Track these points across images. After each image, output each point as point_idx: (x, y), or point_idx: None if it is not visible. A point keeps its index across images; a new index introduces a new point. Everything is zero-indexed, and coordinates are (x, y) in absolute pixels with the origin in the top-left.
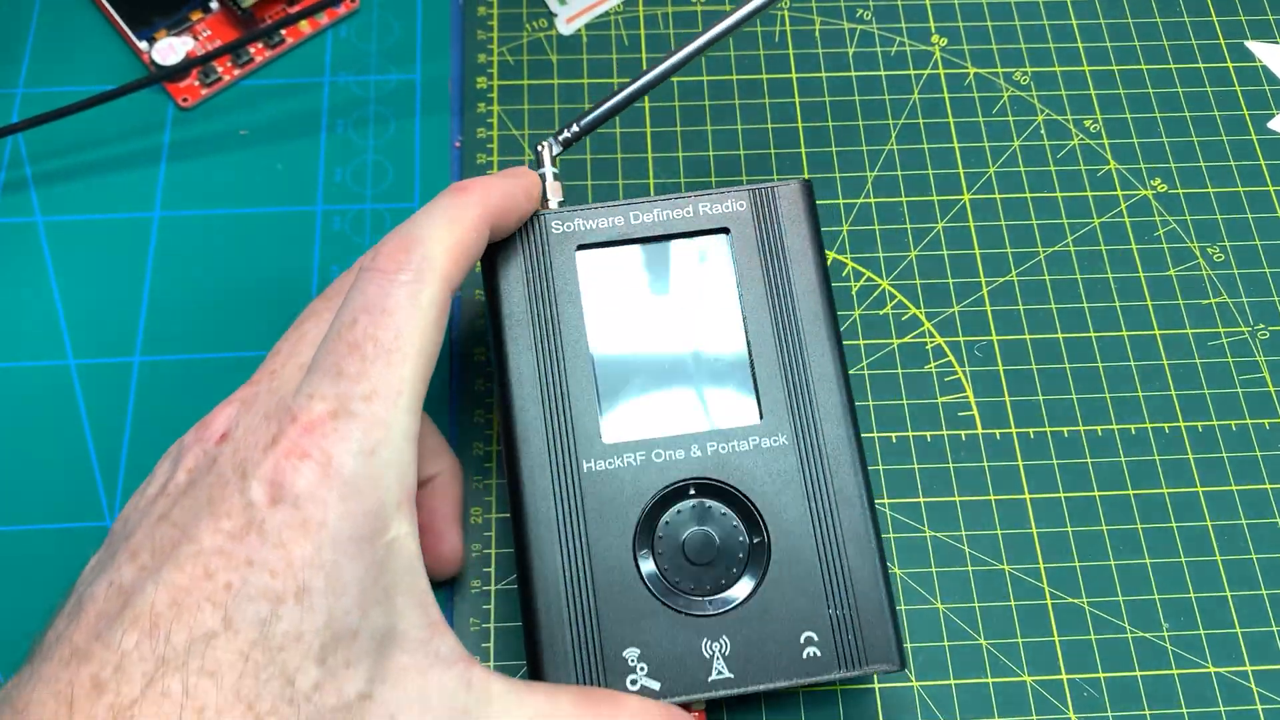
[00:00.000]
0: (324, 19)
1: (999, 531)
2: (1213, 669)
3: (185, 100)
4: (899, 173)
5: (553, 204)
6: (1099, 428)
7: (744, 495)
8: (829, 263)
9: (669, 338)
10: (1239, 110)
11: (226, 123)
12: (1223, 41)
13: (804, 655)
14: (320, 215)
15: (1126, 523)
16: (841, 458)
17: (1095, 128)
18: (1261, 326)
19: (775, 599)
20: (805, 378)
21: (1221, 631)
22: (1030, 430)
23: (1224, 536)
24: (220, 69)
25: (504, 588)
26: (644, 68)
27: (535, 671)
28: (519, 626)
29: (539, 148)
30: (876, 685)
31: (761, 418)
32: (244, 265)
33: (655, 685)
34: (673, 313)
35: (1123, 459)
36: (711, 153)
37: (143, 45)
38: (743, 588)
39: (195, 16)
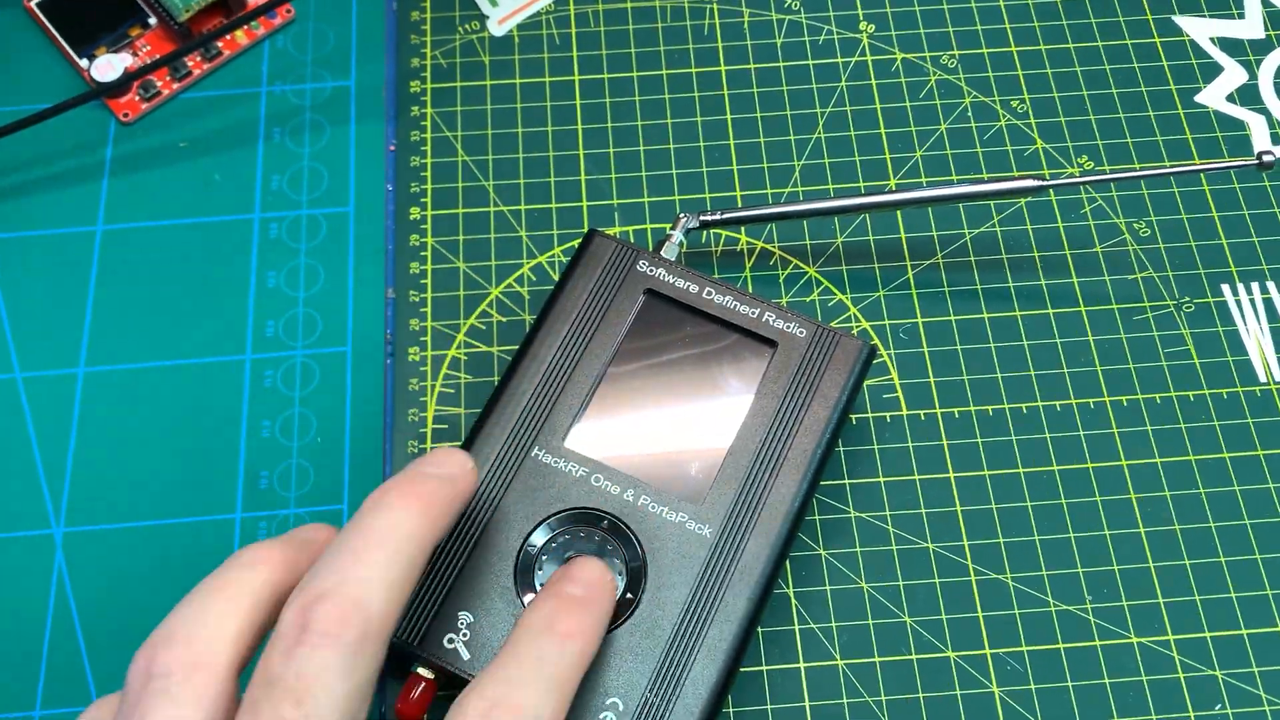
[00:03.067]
0: (260, 30)
1: (923, 510)
2: (1135, 639)
3: (126, 115)
4: (825, 160)
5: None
6: (1024, 405)
7: (643, 550)
8: (768, 258)
9: (673, 398)
10: (1166, 85)
11: (166, 136)
12: (1150, 17)
13: (599, 716)
14: (258, 223)
15: (1051, 498)
16: (748, 578)
17: (1022, 108)
18: (1187, 299)
19: (612, 652)
20: (760, 498)
21: (1144, 602)
22: (955, 410)
23: (1147, 508)
24: (159, 83)
25: None
26: (575, 78)
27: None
28: None
29: (680, 215)
30: (801, 665)
31: (703, 502)
32: (185, 275)
33: (466, 655)
34: (689, 383)
35: (1048, 435)
36: (642, 147)
37: (83, 63)
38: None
39: (134, 33)
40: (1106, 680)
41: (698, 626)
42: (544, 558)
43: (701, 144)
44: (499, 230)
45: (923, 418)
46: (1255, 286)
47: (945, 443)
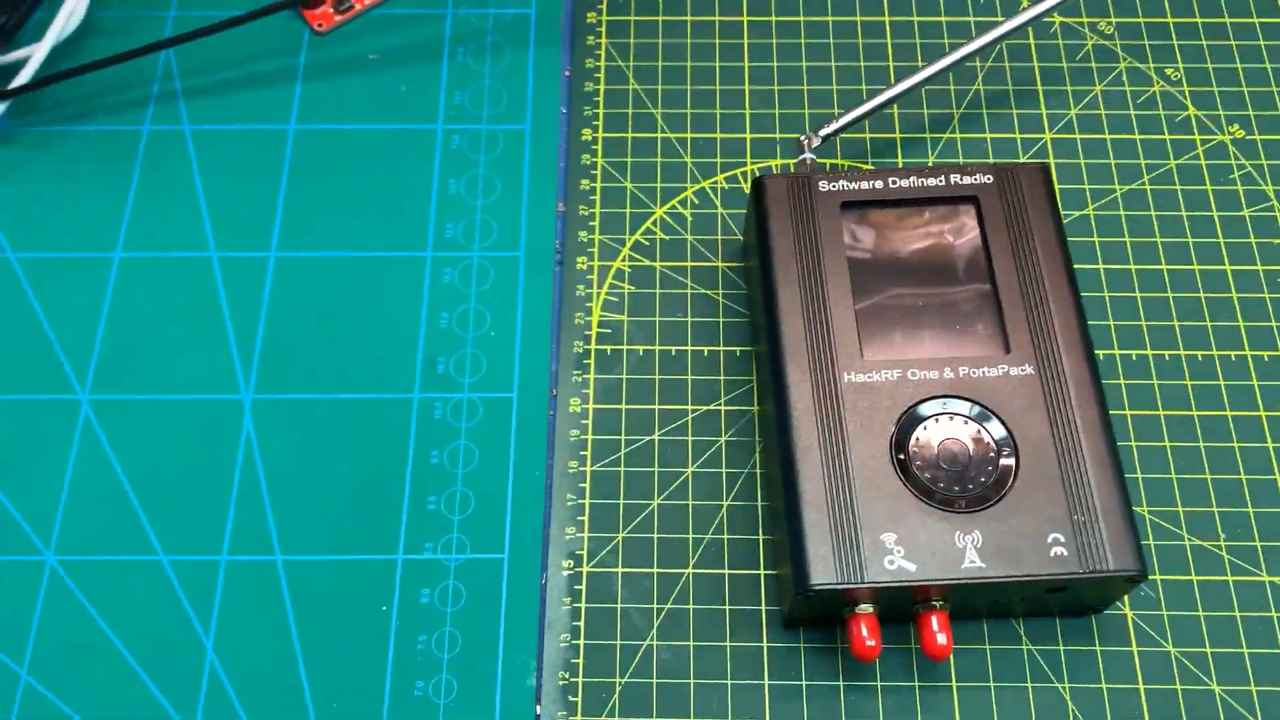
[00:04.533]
0: None
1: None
2: (1266, 578)
3: (320, 25)
4: (984, 110)
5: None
6: (1166, 352)
7: (994, 411)
8: None
9: (924, 282)
10: None
11: (357, 47)
12: None
13: (1051, 553)
14: (441, 133)
15: (1190, 439)
16: (1082, 388)
17: (1176, 75)
18: None
19: (1024, 503)
20: (1048, 320)
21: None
22: (1101, 352)
23: None
24: None
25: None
26: (744, 19)
27: (797, 549)
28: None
29: (801, 138)
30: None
31: (1008, 351)
32: (371, 176)
33: (911, 566)
34: (928, 262)
35: (1188, 382)
36: (805, 87)
37: None
38: (994, 490)
39: None
40: (1238, 613)
41: (1074, 445)
42: (917, 460)
43: (864, 86)
44: (665, 155)
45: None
46: None
47: (1122, 382)
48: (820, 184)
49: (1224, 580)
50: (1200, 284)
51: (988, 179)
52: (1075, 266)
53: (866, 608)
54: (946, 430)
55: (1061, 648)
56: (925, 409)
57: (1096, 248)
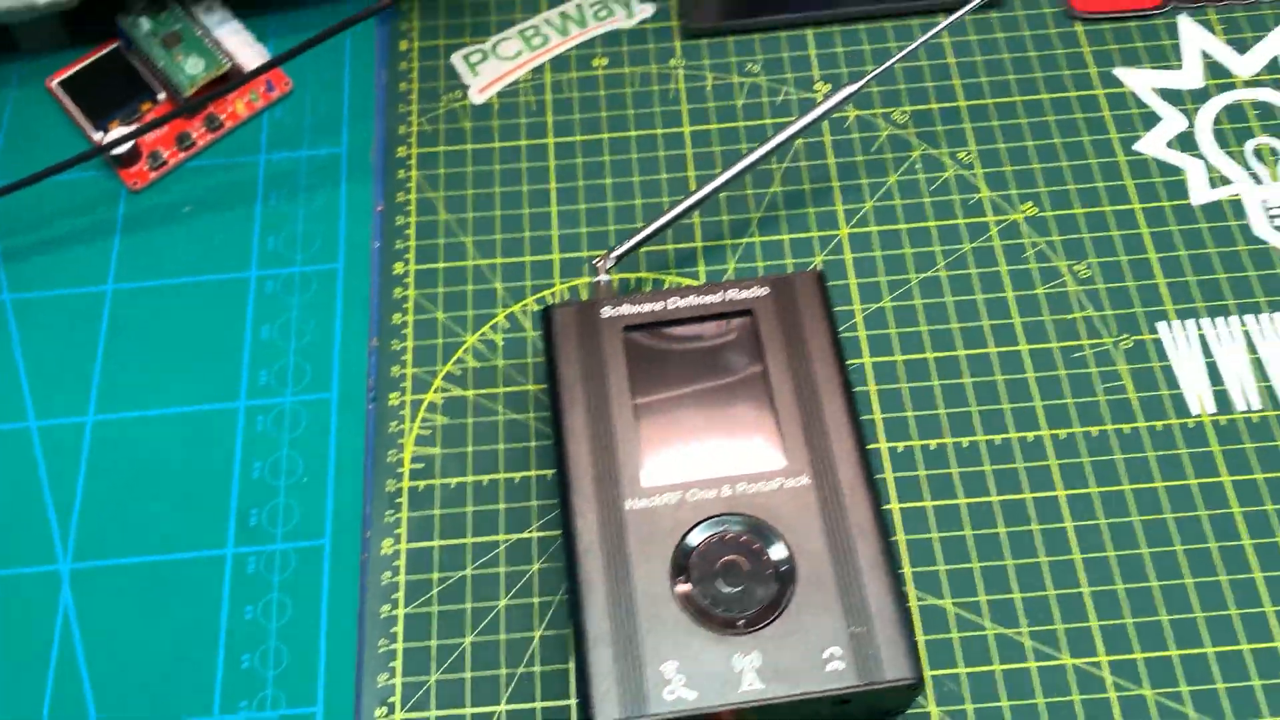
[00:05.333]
0: (260, 102)
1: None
2: (1069, 661)
3: (135, 184)
4: (781, 213)
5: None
6: (964, 439)
7: (770, 525)
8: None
9: (703, 399)
10: (1107, 134)
11: (173, 202)
12: (1092, 70)
13: (828, 669)
14: (254, 281)
15: (989, 526)
16: (856, 496)
17: (969, 159)
18: (1124, 336)
19: (802, 618)
20: (822, 429)
21: (1078, 625)
22: (899, 444)
23: (1083, 537)
24: (166, 154)
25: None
26: (550, 141)
27: (582, 683)
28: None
29: (594, 262)
30: None
31: (785, 463)
32: (187, 330)
33: (691, 695)
34: (707, 379)
35: (987, 467)
36: (610, 204)
37: (98, 135)
38: (772, 608)
39: (145, 107)
40: (1040, 700)
41: (850, 554)
42: (696, 583)
43: (665, 199)
44: (476, 282)
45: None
46: (1190, 324)
47: (890, 475)
48: (603, 310)
49: (1026, 668)
50: (996, 367)
51: (764, 291)
52: (875, 360)
53: None
54: (723, 551)
55: None
56: (702, 531)
57: (894, 339)
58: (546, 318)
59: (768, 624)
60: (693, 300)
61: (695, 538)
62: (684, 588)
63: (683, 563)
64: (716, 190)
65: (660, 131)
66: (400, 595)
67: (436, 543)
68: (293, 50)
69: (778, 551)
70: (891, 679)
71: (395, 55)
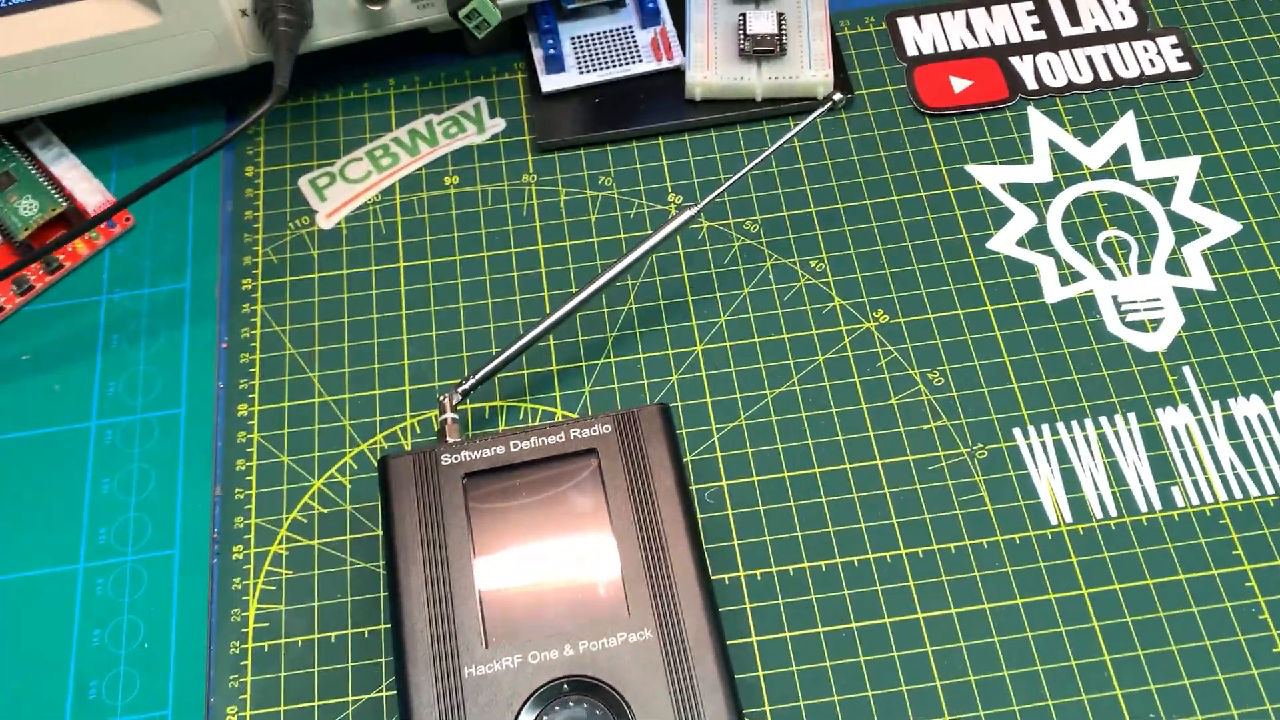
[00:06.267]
0: (101, 239)
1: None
2: None
3: None
4: (637, 330)
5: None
6: (823, 563)
7: (612, 688)
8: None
9: (547, 547)
10: (959, 233)
11: (9, 350)
12: (943, 168)
13: None
14: (95, 429)
15: (849, 656)
16: (702, 646)
17: (820, 267)
18: (980, 446)
19: None
20: (667, 576)
21: None
22: (758, 571)
23: (942, 661)
24: (1, 299)
25: None
26: (400, 265)
27: None
28: None
29: (440, 398)
30: None
31: (629, 614)
32: (22, 487)
33: None
34: (550, 524)
35: (846, 591)
36: (463, 329)
37: None
38: None
39: None
40: None
41: (695, 711)
42: None
43: (520, 321)
44: (323, 420)
45: (726, 581)
46: (1046, 429)
47: (748, 606)
48: (443, 457)
49: None
50: (852, 484)
51: (607, 429)
52: (731, 482)
53: None
54: (565, 717)
55: None
56: (541, 699)
57: (750, 459)
58: (383, 468)
59: None
60: (535, 441)
61: (535, 707)
62: None
63: None
64: (567, 315)
65: (514, 250)
66: None
67: (282, 708)
68: (135, 194)
69: (621, 715)
70: None
71: (241, 182)
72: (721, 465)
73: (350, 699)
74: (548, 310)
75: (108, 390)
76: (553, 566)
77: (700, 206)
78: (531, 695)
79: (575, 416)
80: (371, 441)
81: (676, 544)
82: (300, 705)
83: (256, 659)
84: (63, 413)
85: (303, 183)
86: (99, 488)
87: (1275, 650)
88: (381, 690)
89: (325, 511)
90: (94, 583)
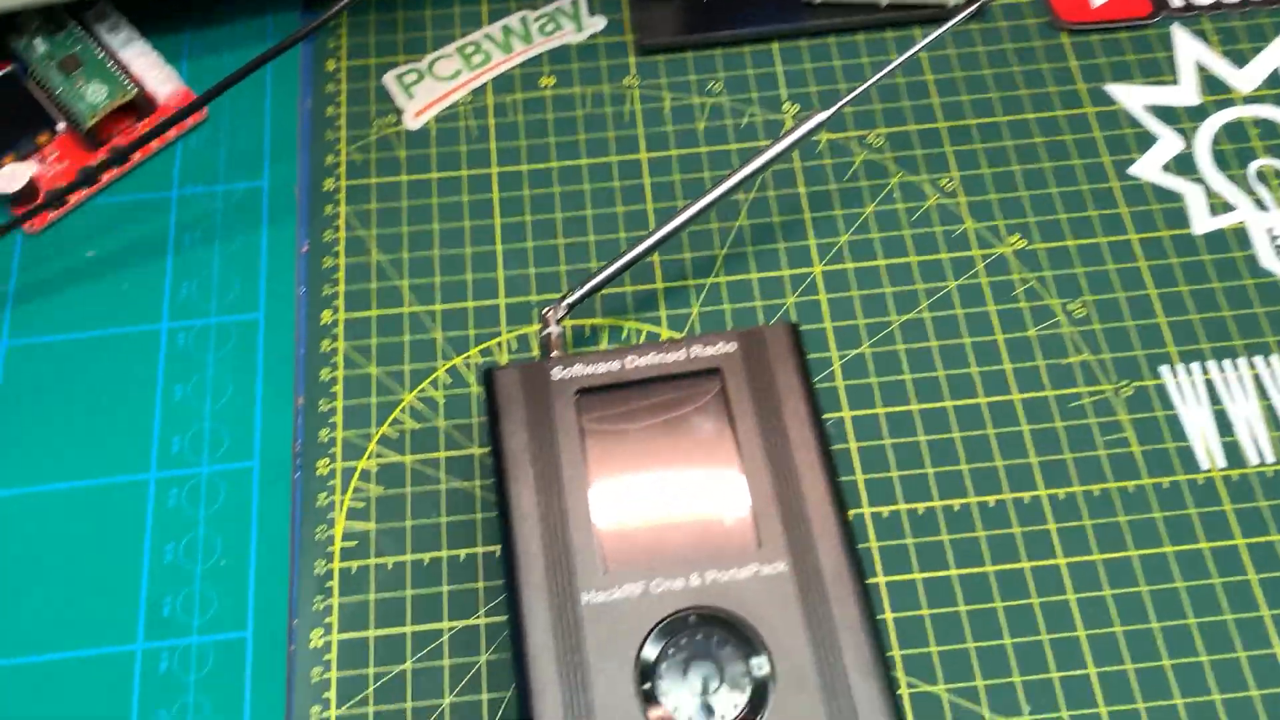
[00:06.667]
0: (172, 132)
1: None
2: None
3: (32, 227)
4: (749, 248)
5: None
6: (955, 502)
7: (744, 621)
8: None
9: (667, 472)
10: (1099, 157)
11: (75, 246)
12: (1081, 87)
13: None
14: (165, 333)
15: (985, 601)
16: (841, 583)
17: (951, 186)
18: (1125, 383)
19: None
20: (800, 506)
21: (1085, 712)
22: (884, 509)
23: (1087, 610)
24: (67, 192)
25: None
26: (494, 170)
27: None
28: None
29: (544, 311)
30: None
31: (759, 545)
32: (90, 391)
33: None
34: (671, 449)
35: (980, 533)
36: (560, 241)
37: None
38: (750, 713)
39: (42, 139)
40: None
41: (834, 651)
42: (664, 688)
43: (622, 235)
44: (413, 332)
45: (850, 518)
46: (1195, 367)
47: (874, 545)
48: (554, 371)
49: None
50: (987, 419)
51: (731, 347)
52: (854, 413)
53: None
54: (692, 654)
55: None
56: (667, 631)
57: (875, 390)
58: (489, 381)
59: None
60: (653, 359)
61: (660, 639)
62: (650, 704)
63: (648, 667)
64: (678, 229)
65: (615, 159)
66: (332, 695)
67: (372, 632)
68: (215, 89)
69: (753, 653)
70: None
71: (321, 77)
72: (843, 395)
73: (445, 625)
74: (651, 224)
75: (180, 292)
76: (675, 492)
77: (830, 113)
78: (656, 625)
79: (699, 333)
80: (465, 356)
81: (809, 473)
82: (391, 630)
83: (344, 580)
84: (132, 314)
85: (388, 79)
86: (171, 394)
87: None
88: (480, 617)
89: (417, 427)
90: (167, 494)
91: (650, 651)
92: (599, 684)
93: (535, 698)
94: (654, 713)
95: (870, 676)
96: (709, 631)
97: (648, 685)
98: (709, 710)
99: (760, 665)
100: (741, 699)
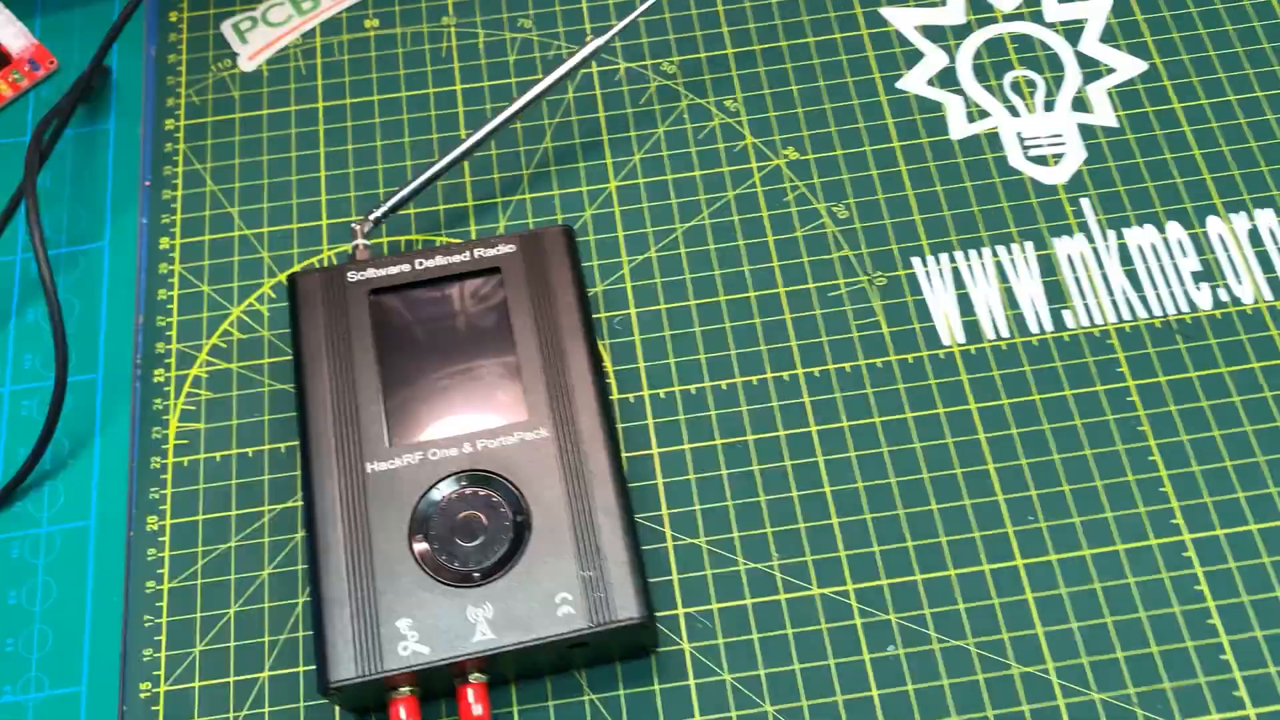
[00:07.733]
0: (25, 82)
1: (631, 485)
2: (816, 590)
3: None
4: (552, 168)
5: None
6: (723, 382)
7: (507, 479)
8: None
9: (450, 359)
10: (870, 74)
11: None
12: (858, 11)
13: (559, 614)
14: (19, 264)
15: (743, 465)
16: (595, 444)
17: (735, 106)
18: (879, 273)
19: (534, 567)
20: (564, 381)
21: (826, 556)
22: (661, 391)
23: (833, 469)
24: None
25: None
26: (320, 105)
27: (319, 645)
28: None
29: (354, 225)
30: None
31: (528, 417)
32: None
33: (425, 649)
34: (454, 339)
35: (744, 408)
36: (380, 166)
37: None
38: (507, 559)
39: None
40: (789, 630)
41: (585, 501)
42: (434, 539)
43: (438, 160)
44: (242, 253)
45: (631, 400)
46: (944, 257)
47: (650, 421)
48: (349, 274)
49: (776, 600)
50: (755, 310)
51: (511, 248)
52: (640, 310)
53: (405, 691)
54: (462, 507)
55: (622, 692)
56: (442, 488)
57: (659, 289)
58: (292, 286)
59: (502, 575)
60: (440, 260)
61: (435, 495)
62: (421, 546)
63: (422, 522)
64: (476, 145)
65: (431, 91)
66: (165, 571)
67: (200, 516)
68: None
69: (515, 504)
70: (621, 619)
71: (165, 27)
72: (631, 294)
73: (266, 508)
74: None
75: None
76: (454, 375)
77: (610, 35)
78: (430, 487)
79: (483, 236)
80: (289, 271)
81: (575, 353)
82: (217, 514)
83: (176, 473)
84: None
85: (225, 26)
86: (24, 317)
87: (1151, 459)
88: (297, 500)
89: (243, 337)
90: (19, 406)
91: (424, 509)
92: (379, 538)
93: (321, 554)
94: (424, 559)
95: (614, 516)
96: (477, 490)
97: (419, 536)
98: (473, 554)
99: (520, 515)
100: (503, 544)
